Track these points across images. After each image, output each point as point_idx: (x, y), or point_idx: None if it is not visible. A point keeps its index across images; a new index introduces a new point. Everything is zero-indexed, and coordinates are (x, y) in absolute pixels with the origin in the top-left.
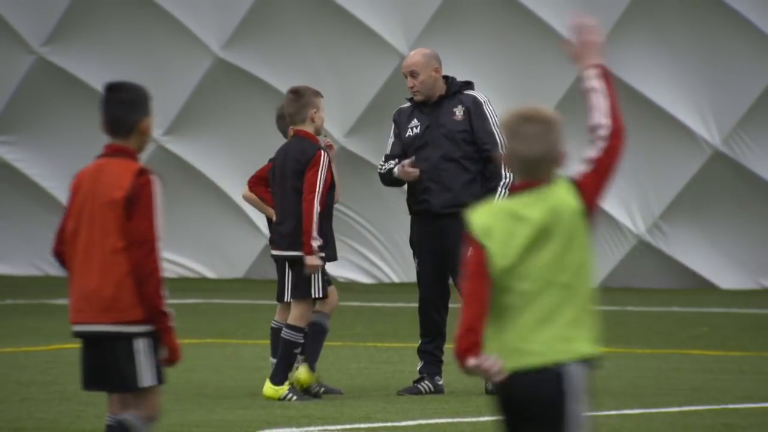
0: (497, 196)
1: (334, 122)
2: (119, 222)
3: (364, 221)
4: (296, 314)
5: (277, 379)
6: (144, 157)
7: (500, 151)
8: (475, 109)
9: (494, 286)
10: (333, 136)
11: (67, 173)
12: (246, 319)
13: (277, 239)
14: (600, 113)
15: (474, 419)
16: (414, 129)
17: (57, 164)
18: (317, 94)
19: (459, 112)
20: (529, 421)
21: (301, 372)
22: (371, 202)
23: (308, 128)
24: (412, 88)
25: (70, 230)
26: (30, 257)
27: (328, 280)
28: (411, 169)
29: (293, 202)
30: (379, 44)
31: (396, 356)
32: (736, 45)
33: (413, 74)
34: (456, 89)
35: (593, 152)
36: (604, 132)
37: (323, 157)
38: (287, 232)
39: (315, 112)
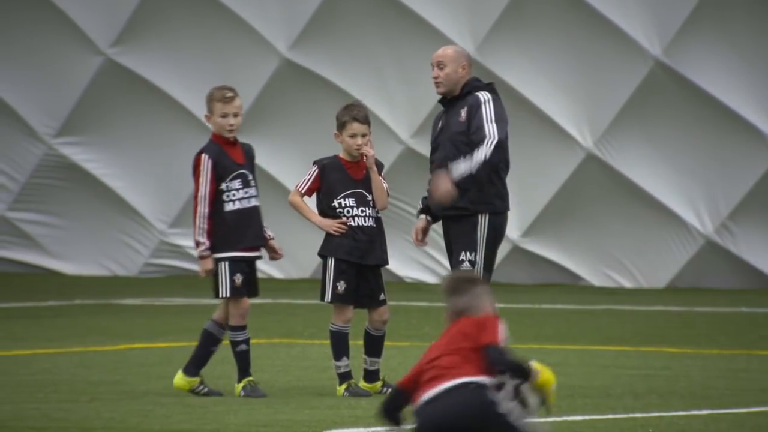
0: (455, 168)
1: (400, 123)
2: None
3: None
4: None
5: (190, 370)
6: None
7: (488, 143)
8: (474, 109)
9: None
10: (399, 137)
11: (134, 173)
12: (313, 319)
13: None
14: None
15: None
16: (437, 132)
17: (124, 164)
18: None
19: (463, 113)
20: None
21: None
22: None
23: None
24: (435, 78)
25: None
26: (98, 257)
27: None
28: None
29: None
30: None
31: None
32: None
33: (440, 65)
34: (468, 90)
35: None
36: None
37: None
38: None
39: None
